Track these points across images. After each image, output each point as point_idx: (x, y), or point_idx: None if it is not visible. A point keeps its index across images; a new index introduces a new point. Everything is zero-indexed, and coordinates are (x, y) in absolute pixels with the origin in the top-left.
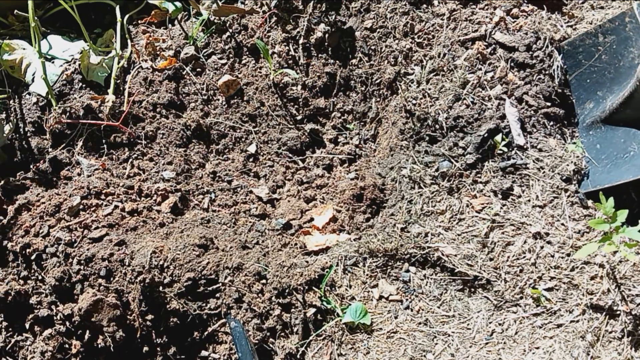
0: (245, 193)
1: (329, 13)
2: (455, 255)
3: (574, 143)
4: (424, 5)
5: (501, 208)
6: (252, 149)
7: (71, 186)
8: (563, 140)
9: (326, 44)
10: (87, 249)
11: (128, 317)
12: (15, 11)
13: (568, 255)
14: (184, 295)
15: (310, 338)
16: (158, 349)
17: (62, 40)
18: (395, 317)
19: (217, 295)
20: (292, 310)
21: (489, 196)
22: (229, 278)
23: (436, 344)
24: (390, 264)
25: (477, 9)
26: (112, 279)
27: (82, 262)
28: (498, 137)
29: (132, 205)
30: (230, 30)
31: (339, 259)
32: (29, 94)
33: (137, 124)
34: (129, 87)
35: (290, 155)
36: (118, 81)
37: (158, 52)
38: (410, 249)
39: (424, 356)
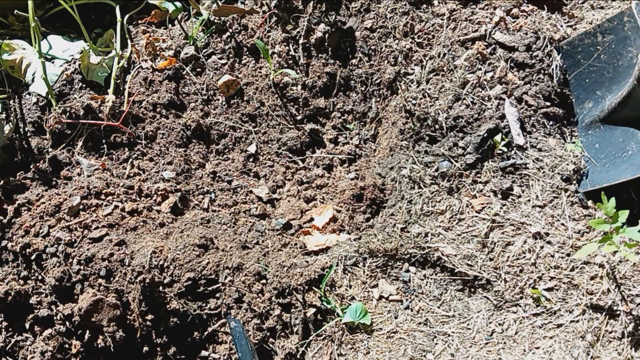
0: (245, 193)
1: (329, 13)
2: (455, 255)
3: (573, 142)
4: (424, 5)
5: (501, 208)
6: (252, 149)
7: (71, 186)
8: (563, 140)
9: (326, 44)
10: (87, 249)
11: (128, 317)
12: (15, 11)
13: (568, 255)
14: (184, 295)
15: (310, 338)
16: (158, 349)
17: (62, 40)
18: (395, 317)
19: (217, 295)
20: (292, 310)
21: (489, 196)
22: (229, 278)
23: (436, 344)
24: (390, 264)
25: (477, 9)
26: (112, 279)
27: (82, 262)
28: (498, 137)
29: (132, 205)
30: (230, 30)
31: (339, 259)
32: (29, 94)
33: (137, 124)
34: (129, 87)
35: (290, 155)
36: (118, 81)
37: (158, 52)
38: (410, 249)
39: (424, 356)
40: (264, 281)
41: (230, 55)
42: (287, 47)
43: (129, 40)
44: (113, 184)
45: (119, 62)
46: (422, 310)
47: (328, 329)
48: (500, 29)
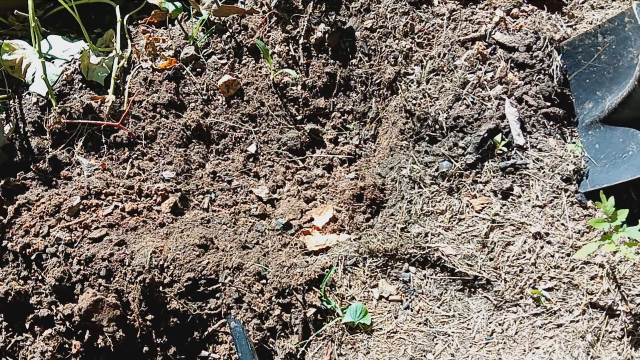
0: (245, 193)
1: (329, 13)
2: (455, 255)
3: (574, 143)
4: (424, 5)
5: (501, 208)
6: (252, 149)
7: (71, 186)
8: (563, 140)
9: (326, 44)
10: (87, 249)
11: (128, 317)
12: (15, 11)
13: (568, 255)
14: (184, 295)
15: (310, 338)
16: (158, 349)
17: (62, 40)
18: (395, 317)
19: (217, 295)
20: (292, 310)
21: (489, 196)
22: (229, 278)
23: (436, 344)
24: (390, 264)
25: (477, 9)
26: (112, 279)
27: (82, 262)
28: (498, 137)
29: (132, 205)
30: (230, 30)
31: (339, 259)
32: (29, 94)
33: (137, 124)
34: (129, 87)
35: (290, 155)
36: (118, 81)
37: (158, 52)
38: (410, 249)
39: (424, 356)
40: (264, 281)
41: (230, 55)
42: (287, 47)
43: (129, 40)
44: (113, 184)
45: (119, 62)
46: (422, 310)
47: (328, 329)
48: (500, 29)
